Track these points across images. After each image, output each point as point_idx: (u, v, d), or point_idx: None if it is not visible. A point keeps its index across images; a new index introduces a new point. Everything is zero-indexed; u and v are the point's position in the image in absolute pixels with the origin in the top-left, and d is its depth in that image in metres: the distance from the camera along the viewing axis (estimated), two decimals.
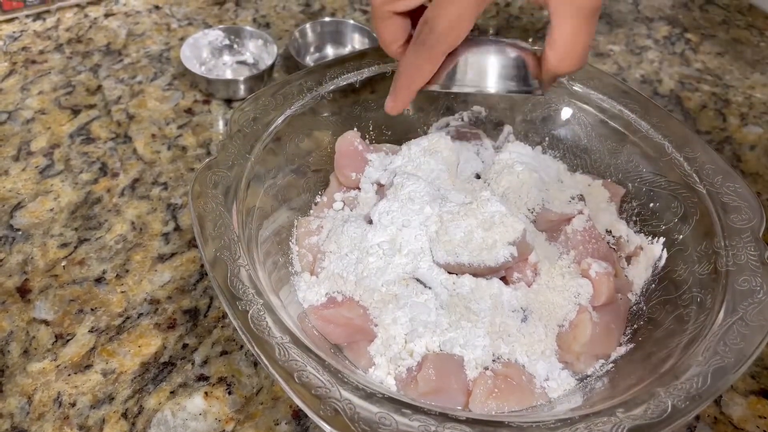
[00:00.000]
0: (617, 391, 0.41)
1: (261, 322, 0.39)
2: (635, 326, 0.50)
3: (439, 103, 0.63)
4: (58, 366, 0.51)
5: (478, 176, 0.58)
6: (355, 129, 0.59)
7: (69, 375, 0.50)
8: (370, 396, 0.37)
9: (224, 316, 0.55)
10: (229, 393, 0.50)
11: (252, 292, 0.41)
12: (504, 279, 0.50)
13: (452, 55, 0.46)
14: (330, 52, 0.86)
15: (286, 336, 0.39)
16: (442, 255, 0.48)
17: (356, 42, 0.85)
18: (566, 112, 0.61)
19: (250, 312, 0.40)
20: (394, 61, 0.60)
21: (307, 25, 0.84)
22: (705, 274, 0.47)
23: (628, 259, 0.54)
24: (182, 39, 0.83)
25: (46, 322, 0.54)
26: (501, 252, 0.47)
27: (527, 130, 0.63)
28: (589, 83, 0.60)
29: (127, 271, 0.58)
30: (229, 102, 0.76)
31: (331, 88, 0.57)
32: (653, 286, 0.51)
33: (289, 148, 0.54)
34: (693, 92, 0.84)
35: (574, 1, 0.40)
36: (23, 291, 0.56)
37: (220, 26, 0.82)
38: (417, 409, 0.37)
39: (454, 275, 0.49)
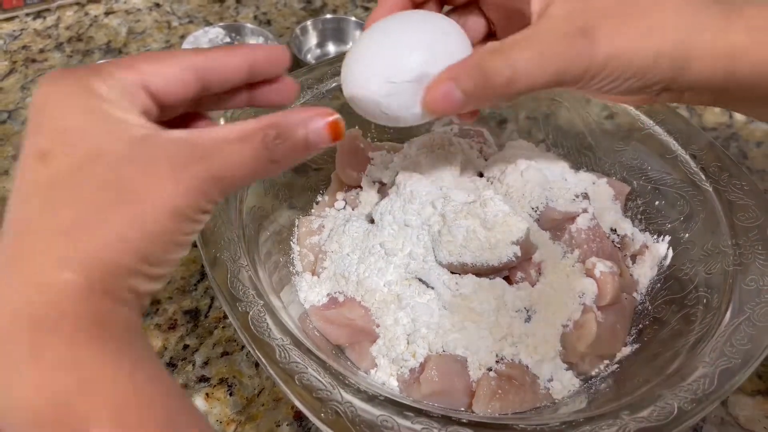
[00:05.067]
0: (622, 392, 0.41)
1: (261, 324, 0.39)
2: (640, 326, 0.49)
3: None
4: None
5: (480, 174, 0.58)
6: (357, 127, 0.58)
7: None
8: (372, 398, 0.36)
9: (225, 316, 0.54)
10: (230, 394, 0.49)
11: (252, 293, 0.41)
12: (507, 279, 0.50)
13: None
14: (332, 49, 0.85)
15: (286, 337, 0.39)
16: (445, 255, 0.48)
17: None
18: (570, 109, 0.60)
19: (251, 313, 0.39)
20: None
21: (309, 23, 0.83)
22: (711, 274, 0.46)
23: (633, 258, 0.53)
24: (183, 37, 0.82)
25: None
26: (504, 251, 0.47)
27: (530, 127, 0.62)
28: None
29: None
30: None
31: (333, 85, 0.57)
32: (659, 285, 0.51)
33: None
34: None
35: None
36: None
37: (221, 24, 0.82)
38: (419, 412, 0.36)
39: (457, 275, 0.48)
